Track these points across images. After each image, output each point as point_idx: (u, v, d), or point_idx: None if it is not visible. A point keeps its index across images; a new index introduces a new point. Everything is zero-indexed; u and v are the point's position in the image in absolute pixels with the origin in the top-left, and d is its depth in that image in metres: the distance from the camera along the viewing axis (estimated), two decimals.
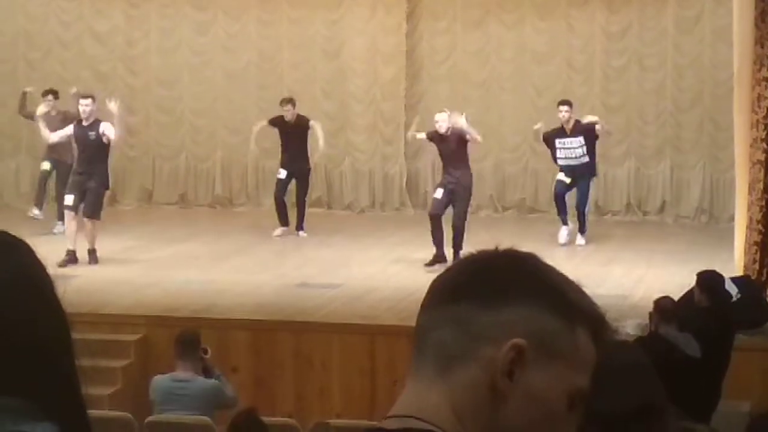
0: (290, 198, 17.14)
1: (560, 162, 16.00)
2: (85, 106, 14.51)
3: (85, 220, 14.37)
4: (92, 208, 14.39)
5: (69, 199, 14.43)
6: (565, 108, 15.97)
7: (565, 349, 1.72)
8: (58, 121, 16.18)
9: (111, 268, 14.20)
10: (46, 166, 16.70)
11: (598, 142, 16.11)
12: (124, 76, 19.71)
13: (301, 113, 16.89)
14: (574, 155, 15.90)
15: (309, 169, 16.84)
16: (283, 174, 16.61)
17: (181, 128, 19.72)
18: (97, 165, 14.40)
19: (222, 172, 19.60)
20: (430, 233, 14.44)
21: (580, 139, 15.84)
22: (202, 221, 18.20)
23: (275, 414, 10.29)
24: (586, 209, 16.28)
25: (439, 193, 14.89)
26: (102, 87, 19.28)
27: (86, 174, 14.38)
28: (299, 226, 16.60)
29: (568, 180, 15.98)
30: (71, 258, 14.01)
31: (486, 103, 19.10)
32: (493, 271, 1.74)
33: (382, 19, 19.22)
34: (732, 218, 14.57)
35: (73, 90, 16.59)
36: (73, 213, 14.38)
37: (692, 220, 18.50)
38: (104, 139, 14.31)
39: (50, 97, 16.67)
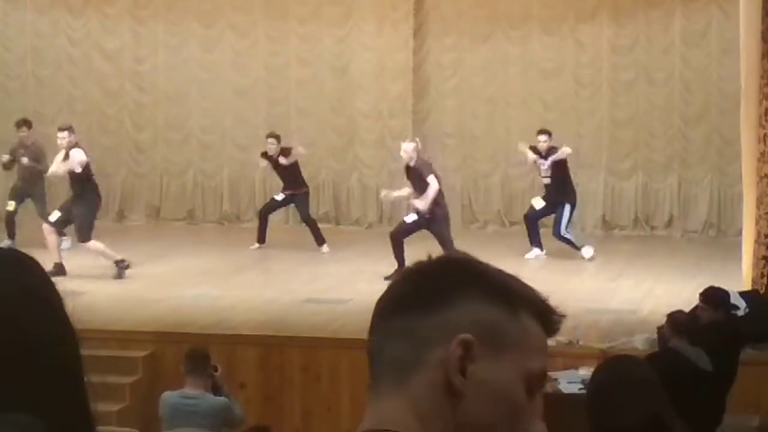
0: (295, 216, 17.20)
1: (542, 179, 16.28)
2: (61, 139, 14.61)
3: (82, 245, 14.55)
4: (82, 233, 14.61)
5: (54, 215, 14.61)
6: (543, 138, 16.24)
7: (513, 337, 1.72)
8: (30, 154, 16.23)
9: (119, 284, 14.23)
10: (11, 207, 16.43)
11: (569, 168, 16.29)
12: (132, 93, 19.76)
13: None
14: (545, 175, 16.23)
15: (306, 192, 16.89)
16: (280, 197, 16.77)
17: (189, 145, 19.75)
18: (82, 192, 14.59)
19: (230, 189, 19.62)
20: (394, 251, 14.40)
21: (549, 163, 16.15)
22: (209, 237, 18.22)
23: (283, 430, 10.30)
24: (562, 232, 16.14)
25: (411, 217, 14.79)
26: (110, 103, 19.37)
27: (75, 198, 14.59)
28: (319, 242, 16.65)
29: (540, 205, 16.27)
30: (59, 270, 13.96)
31: (493, 118, 19.12)
32: (431, 277, 1.76)
33: (390, 35, 19.25)
34: (740, 232, 14.55)
35: (4, 158, 16.38)
36: (53, 229, 14.51)
37: (700, 235, 18.49)
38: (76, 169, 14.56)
39: (24, 128, 16.66)
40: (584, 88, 18.87)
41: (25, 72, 19.75)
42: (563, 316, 1.77)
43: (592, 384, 4.27)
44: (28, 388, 1.75)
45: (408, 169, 14.93)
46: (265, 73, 19.57)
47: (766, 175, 12.95)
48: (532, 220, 16.47)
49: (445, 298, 1.73)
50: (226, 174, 19.64)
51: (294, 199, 16.83)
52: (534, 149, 16.34)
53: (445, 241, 14.40)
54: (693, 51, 18.57)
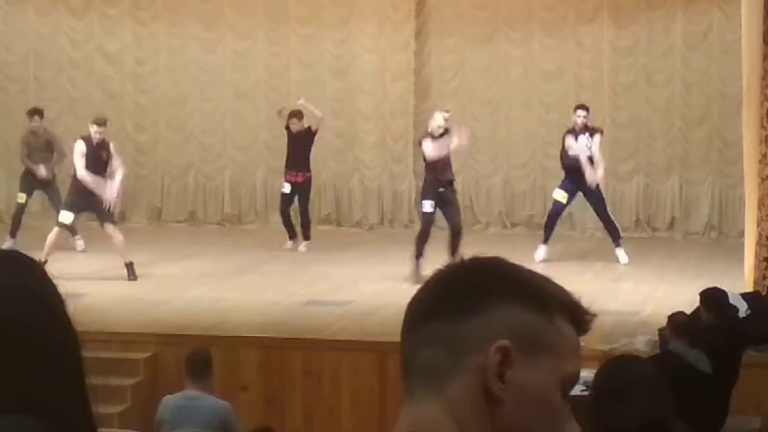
0: (296, 215, 17.14)
1: (572, 156, 15.74)
2: (101, 133, 14.48)
3: (109, 231, 14.39)
4: (110, 215, 14.44)
5: (67, 217, 14.43)
6: (583, 113, 15.91)
7: (549, 341, 1.74)
8: (42, 143, 16.19)
9: (120, 286, 14.21)
10: (21, 199, 16.38)
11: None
12: (134, 95, 19.77)
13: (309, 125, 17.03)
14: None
15: (310, 177, 16.87)
16: (287, 188, 16.74)
17: (190, 146, 19.76)
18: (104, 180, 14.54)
19: (231, 190, 19.63)
20: (417, 249, 14.35)
21: (588, 137, 15.81)
22: (211, 239, 18.21)
23: None
24: (611, 213, 16.12)
25: (431, 206, 14.61)
26: (112, 105, 19.36)
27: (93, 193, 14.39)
28: (306, 236, 16.67)
29: (566, 198, 15.89)
30: None
31: (494, 120, 19.12)
32: (463, 282, 1.77)
33: (391, 36, 19.25)
34: (741, 234, 14.55)
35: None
36: (64, 231, 14.42)
37: (701, 236, 18.48)
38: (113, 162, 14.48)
39: (36, 117, 16.63)
40: (585, 89, 18.86)
41: (27, 74, 19.76)
42: (595, 315, 1.81)
43: (594, 386, 4.27)
44: (29, 390, 1.75)
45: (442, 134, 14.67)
46: (266, 74, 19.58)
47: (767, 176, 12.94)
48: (558, 215, 15.99)
49: (482, 303, 1.74)
50: (227, 175, 19.64)
51: (299, 187, 16.77)
52: (571, 131, 15.85)
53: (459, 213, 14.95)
54: (694, 53, 18.58)
